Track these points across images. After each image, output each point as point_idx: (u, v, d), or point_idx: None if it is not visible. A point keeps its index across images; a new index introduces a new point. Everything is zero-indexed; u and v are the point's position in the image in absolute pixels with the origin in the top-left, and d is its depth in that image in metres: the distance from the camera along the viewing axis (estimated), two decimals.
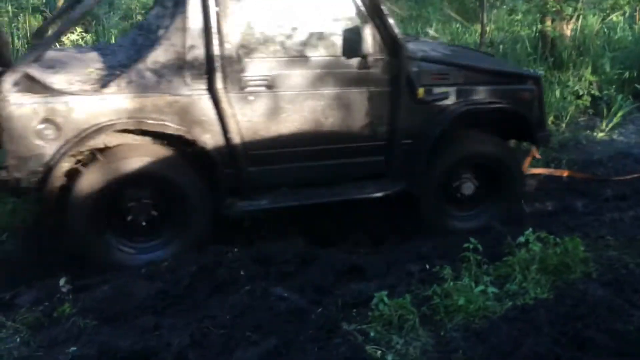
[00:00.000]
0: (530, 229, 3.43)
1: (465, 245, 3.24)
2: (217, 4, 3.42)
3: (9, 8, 7.50)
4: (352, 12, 3.72)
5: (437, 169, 4.02)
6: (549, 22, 7.91)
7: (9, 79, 3.16)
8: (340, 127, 3.79)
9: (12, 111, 3.17)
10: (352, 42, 3.66)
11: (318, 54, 3.69)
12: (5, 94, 3.15)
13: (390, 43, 3.78)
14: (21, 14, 7.60)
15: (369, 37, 3.61)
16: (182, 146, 3.51)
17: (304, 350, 2.52)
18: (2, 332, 2.83)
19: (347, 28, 3.70)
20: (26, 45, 6.57)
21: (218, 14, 3.41)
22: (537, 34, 8.34)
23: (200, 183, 3.55)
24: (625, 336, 2.60)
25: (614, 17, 11.93)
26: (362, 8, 3.72)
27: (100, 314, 2.92)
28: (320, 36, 3.71)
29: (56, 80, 3.33)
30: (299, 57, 3.65)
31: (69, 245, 3.49)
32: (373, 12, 3.74)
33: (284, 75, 3.63)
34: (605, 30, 10.71)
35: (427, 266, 3.27)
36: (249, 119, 3.57)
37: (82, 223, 3.37)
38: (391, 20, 3.77)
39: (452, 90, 3.99)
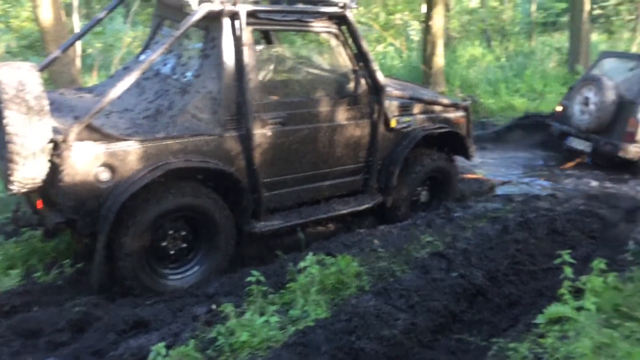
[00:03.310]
0: (311, 253, 3.62)
1: (248, 279, 3.29)
2: (246, 57, 3.90)
3: None
4: (345, 61, 4.47)
5: (408, 183, 4.92)
6: None
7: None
8: (333, 154, 4.47)
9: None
10: (344, 84, 4.47)
11: (318, 95, 4.37)
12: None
13: (373, 84, 4.52)
14: None
15: (357, 80, 4.41)
16: (217, 179, 3.89)
17: None
18: None
19: (341, 73, 4.50)
20: None
21: (246, 66, 3.89)
22: None
23: (227, 210, 3.94)
24: (392, 340, 2.85)
25: (380, 47, 13.47)
26: (353, 58, 4.47)
27: None
28: (320, 80, 4.52)
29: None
30: (305, 98, 4.31)
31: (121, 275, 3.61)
32: (361, 60, 4.47)
33: (293, 113, 4.20)
34: (380, 58, 11.99)
35: (214, 306, 3.24)
36: (264, 151, 4.07)
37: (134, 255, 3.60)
38: (376, 66, 4.50)
39: (412, 119, 4.89)
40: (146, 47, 4.69)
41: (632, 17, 15.31)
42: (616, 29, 15.56)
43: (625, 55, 8.00)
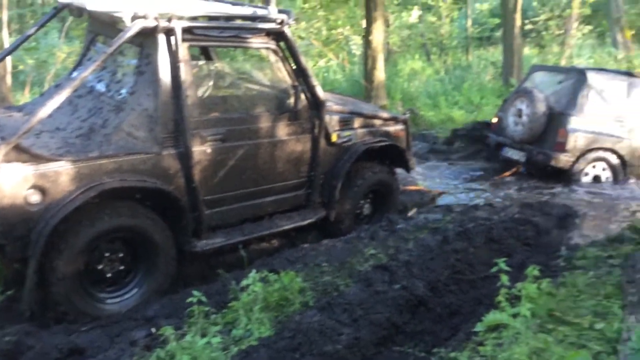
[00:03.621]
0: (254, 270, 3.58)
1: (189, 299, 3.21)
2: (182, 74, 3.84)
3: None
4: (285, 77, 4.47)
5: (351, 197, 4.97)
6: None
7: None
8: (275, 169, 4.46)
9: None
10: (284, 100, 4.45)
11: (258, 111, 4.35)
12: None
13: (313, 99, 4.55)
14: None
15: (297, 96, 4.41)
16: (155, 198, 3.79)
17: None
18: None
19: (281, 89, 4.47)
20: None
21: (183, 83, 3.83)
22: None
23: (167, 229, 3.85)
24: (335, 356, 2.84)
25: (323, 62, 13.61)
26: (292, 73, 4.48)
27: None
28: (260, 96, 4.50)
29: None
30: (245, 114, 4.28)
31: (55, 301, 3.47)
32: (300, 75, 4.49)
33: (233, 130, 4.16)
34: (323, 72, 12.11)
35: (153, 330, 3.14)
36: (204, 168, 4.01)
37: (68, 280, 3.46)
38: (315, 82, 4.55)
39: (353, 133, 4.93)
40: (79, 64, 4.56)
41: (561, 31, 16.11)
42: (546, 43, 16.32)
43: (554, 69, 8.40)
